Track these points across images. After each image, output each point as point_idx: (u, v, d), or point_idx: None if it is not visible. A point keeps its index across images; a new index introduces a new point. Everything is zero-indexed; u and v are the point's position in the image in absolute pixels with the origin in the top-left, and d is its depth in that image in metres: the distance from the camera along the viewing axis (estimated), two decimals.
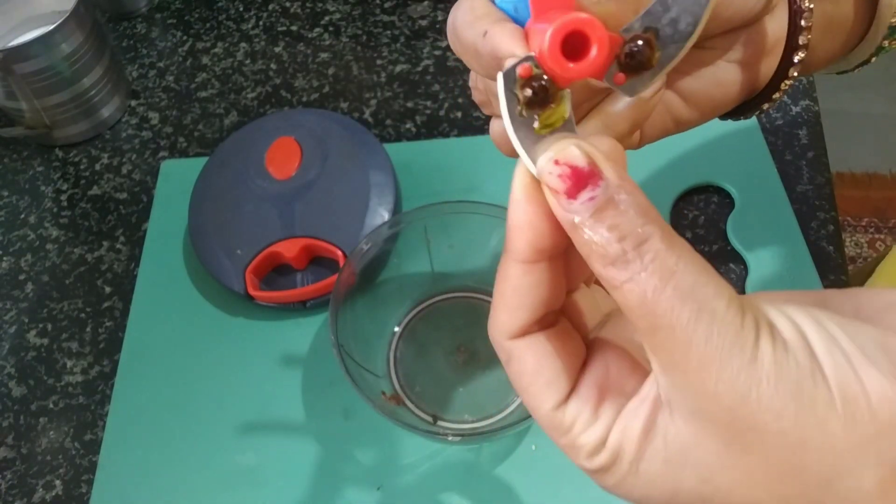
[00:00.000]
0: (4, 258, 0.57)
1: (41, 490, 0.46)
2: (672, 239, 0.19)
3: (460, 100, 0.63)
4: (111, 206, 0.60)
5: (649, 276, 0.18)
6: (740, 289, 0.51)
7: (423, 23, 0.70)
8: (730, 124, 0.59)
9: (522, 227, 0.21)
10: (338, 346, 0.43)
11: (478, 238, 0.50)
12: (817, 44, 0.32)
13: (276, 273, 0.52)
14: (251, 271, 0.50)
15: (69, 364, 0.51)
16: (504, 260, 0.22)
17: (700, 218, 0.55)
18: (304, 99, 0.65)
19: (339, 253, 0.50)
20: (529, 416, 0.42)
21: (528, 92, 0.20)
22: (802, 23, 0.31)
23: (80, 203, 0.60)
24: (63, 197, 0.60)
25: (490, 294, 0.49)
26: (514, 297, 0.22)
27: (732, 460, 0.18)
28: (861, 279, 0.58)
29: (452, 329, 0.50)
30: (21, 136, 0.64)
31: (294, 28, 0.71)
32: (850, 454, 0.17)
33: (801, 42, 0.31)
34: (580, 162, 0.19)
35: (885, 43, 0.33)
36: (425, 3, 0.72)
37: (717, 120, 0.64)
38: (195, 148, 0.63)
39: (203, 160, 0.57)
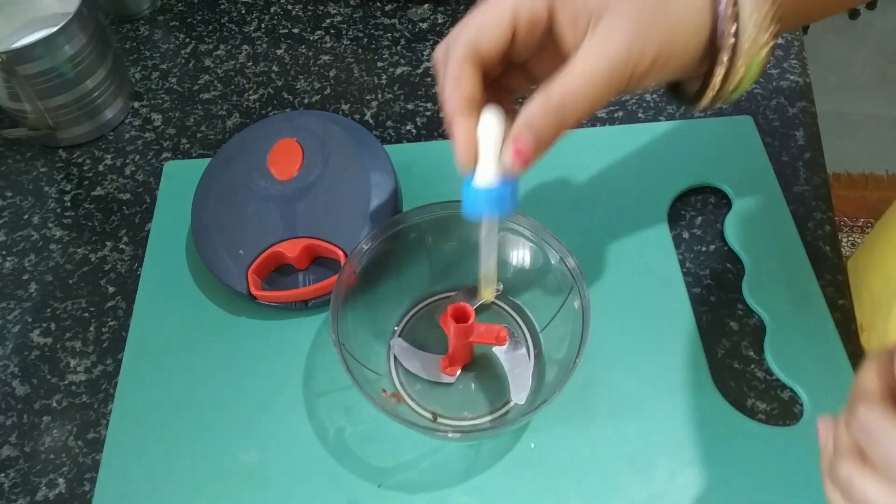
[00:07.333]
0: (8, 258, 0.58)
1: (44, 488, 0.47)
2: None
3: None
4: (114, 206, 0.60)
5: None
6: (737, 290, 0.52)
7: (424, 25, 0.71)
8: (727, 126, 0.59)
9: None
10: (339, 344, 0.44)
11: (477, 238, 0.50)
12: None
13: (278, 273, 0.53)
14: (253, 271, 0.50)
15: (72, 363, 0.52)
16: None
17: (697, 218, 0.56)
18: (306, 101, 0.66)
19: (340, 253, 0.50)
20: (528, 414, 0.43)
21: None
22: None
23: (84, 204, 0.60)
24: (66, 198, 0.61)
25: None
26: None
27: None
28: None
29: None
30: (25, 138, 0.64)
31: (296, 30, 0.72)
32: None
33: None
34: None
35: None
36: (425, 6, 0.72)
37: (714, 121, 0.64)
38: (198, 149, 0.63)
39: (206, 161, 0.57)
